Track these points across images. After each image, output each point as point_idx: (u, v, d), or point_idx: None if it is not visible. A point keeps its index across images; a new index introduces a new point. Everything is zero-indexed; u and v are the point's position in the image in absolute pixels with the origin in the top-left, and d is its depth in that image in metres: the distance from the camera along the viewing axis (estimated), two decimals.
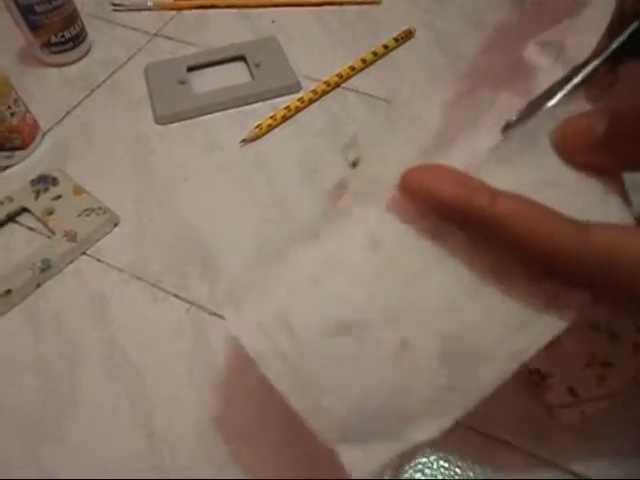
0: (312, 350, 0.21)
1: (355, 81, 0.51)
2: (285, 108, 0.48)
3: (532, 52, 0.24)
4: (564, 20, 0.24)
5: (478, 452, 0.31)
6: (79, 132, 0.48)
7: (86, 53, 0.55)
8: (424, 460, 0.31)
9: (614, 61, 0.23)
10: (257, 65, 0.52)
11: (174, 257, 0.40)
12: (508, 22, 0.29)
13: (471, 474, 0.30)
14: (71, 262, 0.40)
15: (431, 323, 0.21)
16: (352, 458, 0.20)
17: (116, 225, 0.42)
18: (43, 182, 0.44)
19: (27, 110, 0.46)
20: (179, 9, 0.60)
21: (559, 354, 0.28)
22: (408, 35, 0.55)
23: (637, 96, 0.23)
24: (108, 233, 0.42)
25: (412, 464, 0.31)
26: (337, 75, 0.51)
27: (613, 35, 0.23)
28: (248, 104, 0.50)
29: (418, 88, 0.32)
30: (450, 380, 0.20)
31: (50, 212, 0.42)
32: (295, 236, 0.36)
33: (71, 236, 0.40)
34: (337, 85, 0.51)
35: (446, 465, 0.31)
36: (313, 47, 0.55)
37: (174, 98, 0.50)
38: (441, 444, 0.31)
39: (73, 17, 0.52)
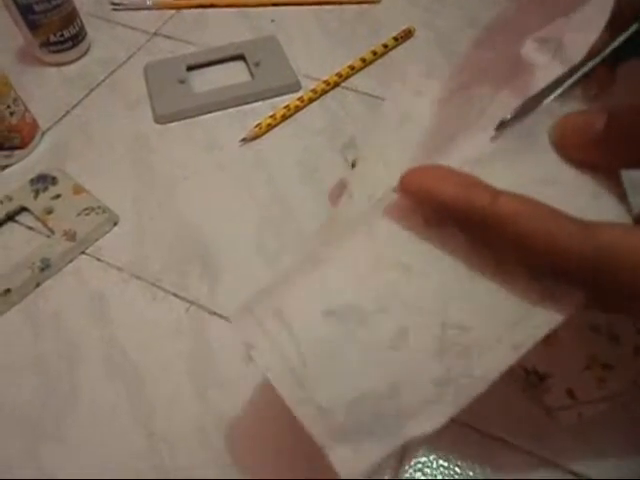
0: (305, 340, 0.21)
1: (355, 80, 0.51)
2: (285, 107, 0.48)
3: (530, 49, 0.24)
4: (562, 17, 0.24)
5: (478, 452, 0.31)
6: (78, 131, 0.48)
7: (85, 52, 0.55)
8: (424, 459, 0.31)
9: (613, 61, 0.23)
10: (257, 64, 0.52)
11: (173, 256, 0.40)
12: (502, 18, 0.29)
13: (471, 473, 0.30)
14: (70, 261, 0.40)
15: (428, 317, 0.21)
16: (342, 458, 0.20)
17: (115, 224, 0.42)
18: (42, 181, 0.43)
19: (26, 109, 0.46)
20: (178, 8, 0.60)
21: (558, 355, 0.28)
22: (407, 34, 0.54)
23: (636, 95, 0.23)
24: (107, 232, 0.41)
25: (412, 463, 0.31)
26: (337, 74, 0.51)
27: (612, 33, 0.23)
28: (248, 103, 0.50)
29: (417, 87, 0.32)
30: (446, 375, 0.20)
31: (49, 211, 0.42)
32: (294, 235, 0.37)
33: (70, 235, 0.40)
34: (337, 84, 0.51)
35: (446, 464, 0.31)
36: (313, 46, 0.55)
37: (174, 97, 0.50)
38: (441, 443, 0.31)
39: (72, 16, 0.52)
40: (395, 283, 0.21)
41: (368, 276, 0.21)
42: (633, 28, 0.22)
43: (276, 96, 0.50)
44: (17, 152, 0.46)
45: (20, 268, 0.38)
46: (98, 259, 0.40)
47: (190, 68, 0.53)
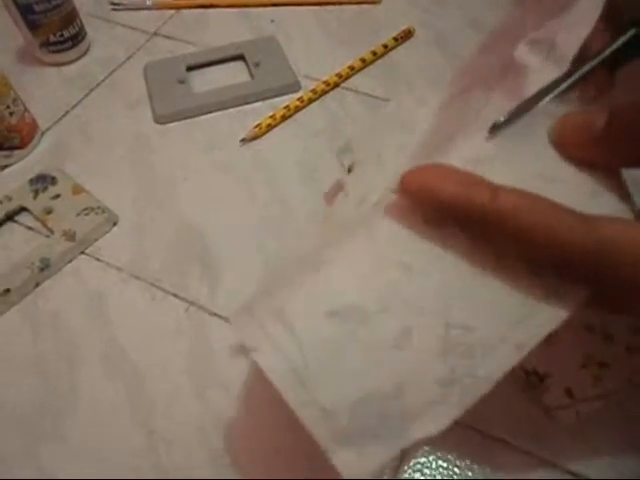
0: (308, 342, 0.20)
1: (354, 81, 0.51)
2: (284, 107, 0.48)
3: (523, 51, 0.24)
4: (554, 18, 0.24)
5: (477, 452, 0.31)
6: (78, 131, 0.48)
7: (85, 52, 0.55)
8: (423, 460, 0.31)
9: (612, 64, 0.23)
10: (256, 64, 0.52)
11: (173, 256, 0.40)
12: (506, 22, 0.29)
13: (470, 474, 0.30)
14: (70, 261, 0.40)
15: (431, 317, 0.21)
16: (346, 461, 0.20)
17: (115, 224, 0.42)
18: (42, 181, 0.43)
19: (26, 109, 0.46)
20: (178, 8, 0.60)
21: (557, 355, 0.28)
22: (407, 35, 0.55)
23: (636, 95, 0.23)
24: (107, 232, 0.41)
25: (411, 464, 0.31)
26: (336, 75, 0.51)
27: (612, 33, 0.23)
28: (247, 103, 0.50)
29: (416, 88, 0.32)
30: (451, 375, 0.20)
31: (49, 211, 0.42)
32: (294, 235, 0.37)
33: (70, 235, 0.40)
34: (336, 85, 0.51)
35: (445, 465, 0.31)
36: (312, 47, 0.55)
37: (173, 97, 0.50)
38: (440, 444, 0.31)
39: (72, 16, 0.52)
40: (397, 283, 0.21)
41: (370, 276, 0.21)
42: (631, 32, 0.22)
43: (276, 96, 0.50)
44: (16, 152, 0.46)
45: (19, 268, 0.38)
46: (97, 259, 0.40)
47: (190, 68, 0.53)
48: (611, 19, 0.23)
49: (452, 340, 0.20)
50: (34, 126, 0.47)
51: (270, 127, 0.47)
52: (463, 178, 0.20)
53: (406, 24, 0.55)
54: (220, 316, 0.37)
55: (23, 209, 0.43)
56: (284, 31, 0.56)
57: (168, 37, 0.57)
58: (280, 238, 0.40)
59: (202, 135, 0.48)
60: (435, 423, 0.20)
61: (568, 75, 0.22)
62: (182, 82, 0.51)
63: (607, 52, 0.22)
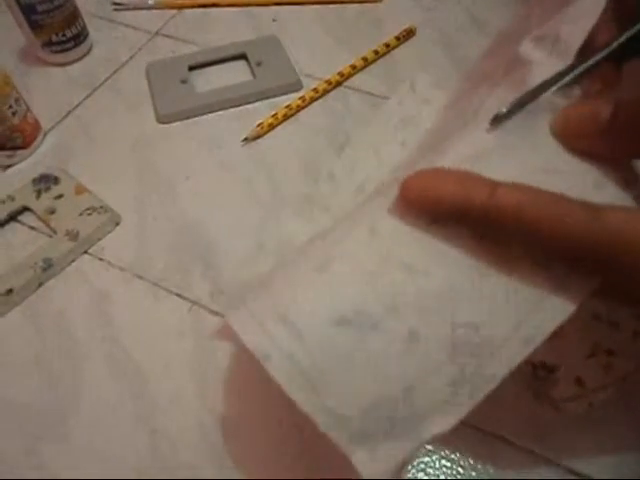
0: (317, 347, 0.20)
1: (356, 80, 0.51)
2: (286, 107, 0.48)
3: (527, 48, 0.24)
4: (558, 14, 0.23)
5: (480, 451, 0.31)
6: (80, 131, 0.48)
7: (87, 52, 0.55)
8: (427, 459, 0.31)
9: (618, 58, 0.22)
10: (258, 64, 0.52)
11: (176, 256, 0.40)
12: (512, 23, 0.29)
13: (473, 473, 0.30)
14: (73, 261, 0.40)
15: (437, 317, 0.20)
16: (362, 461, 0.20)
17: (118, 224, 0.42)
18: (44, 181, 0.44)
19: (28, 109, 0.46)
20: (180, 8, 0.60)
21: (564, 346, 0.28)
22: (409, 33, 0.54)
23: None
24: (110, 232, 0.41)
25: (415, 463, 0.31)
26: (338, 74, 0.51)
27: (619, 27, 0.23)
28: (249, 103, 0.50)
29: (425, 96, 0.32)
30: (460, 375, 0.20)
31: (52, 211, 0.42)
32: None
33: (73, 235, 0.40)
34: (338, 84, 0.51)
35: (448, 464, 0.31)
36: (314, 45, 0.55)
37: (176, 97, 0.50)
38: (444, 443, 0.31)
39: (74, 16, 0.52)
40: (402, 284, 0.21)
41: (374, 278, 0.21)
42: (638, 26, 0.22)
43: (278, 95, 0.50)
44: (19, 152, 0.46)
45: (22, 268, 0.38)
46: (100, 259, 0.40)
47: (192, 68, 0.53)
48: (618, 11, 0.23)
49: (459, 339, 0.20)
50: (37, 126, 0.47)
51: (272, 126, 0.47)
52: (460, 177, 0.20)
53: (408, 23, 0.55)
54: (223, 316, 0.37)
55: (26, 209, 0.43)
56: (286, 30, 0.56)
57: (170, 37, 0.57)
58: (282, 237, 0.40)
59: (204, 134, 0.48)
60: (445, 422, 0.20)
61: (572, 67, 0.22)
62: (184, 82, 0.51)
63: (614, 45, 0.22)
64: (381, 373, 0.20)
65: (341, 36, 0.56)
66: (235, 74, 0.52)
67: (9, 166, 0.46)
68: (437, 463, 0.31)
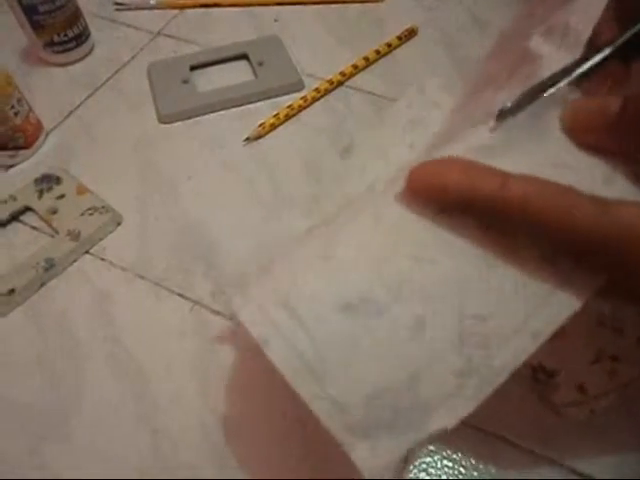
0: (319, 333, 0.20)
1: (358, 79, 0.51)
2: (288, 107, 0.48)
3: (537, 42, 0.23)
4: (563, 8, 0.23)
5: (482, 452, 0.31)
6: (82, 131, 0.49)
7: (89, 52, 0.55)
8: (428, 460, 0.31)
9: (626, 57, 0.22)
10: (260, 64, 0.52)
11: (177, 256, 0.40)
12: (514, 22, 0.29)
13: (475, 473, 0.30)
14: (74, 261, 0.40)
15: (444, 306, 0.20)
16: (362, 454, 0.19)
17: (119, 224, 0.42)
18: (46, 181, 0.44)
19: (30, 109, 0.46)
20: (182, 8, 0.60)
21: (565, 351, 0.28)
22: (411, 33, 0.54)
23: None
24: (111, 232, 0.42)
25: (416, 463, 0.31)
26: (340, 73, 0.50)
27: (613, 19, 0.23)
28: (251, 103, 0.50)
29: (435, 99, 0.32)
30: (467, 366, 0.20)
31: (53, 211, 0.42)
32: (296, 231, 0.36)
33: (74, 235, 0.40)
34: (340, 83, 0.51)
35: (450, 465, 0.31)
36: (316, 45, 0.55)
37: (177, 97, 0.50)
38: (445, 443, 0.31)
39: (76, 16, 0.52)
40: (408, 271, 0.20)
41: (381, 264, 0.21)
42: None
43: (279, 95, 0.50)
44: (21, 152, 0.46)
45: (24, 268, 0.38)
46: (102, 259, 0.40)
47: (193, 68, 0.53)
48: (619, 10, 0.23)
49: (467, 330, 0.20)
50: (39, 126, 0.47)
51: (274, 126, 0.47)
52: (469, 166, 0.20)
53: (410, 23, 0.55)
54: (224, 315, 0.37)
55: (28, 209, 0.43)
56: (288, 30, 0.56)
57: (172, 37, 0.57)
58: (284, 236, 0.40)
59: (206, 134, 0.48)
60: (452, 415, 0.20)
61: (580, 62, 0.22)
62: (186, 82, 0.51)
63: (620, 41, 0.22)
64: (386, 360, 0.20)
65: (343, 36, 0.56)
66: (237, 74, 0.52)
67: (11, 166, 0.46)
68: (439, 463, 0.31)
